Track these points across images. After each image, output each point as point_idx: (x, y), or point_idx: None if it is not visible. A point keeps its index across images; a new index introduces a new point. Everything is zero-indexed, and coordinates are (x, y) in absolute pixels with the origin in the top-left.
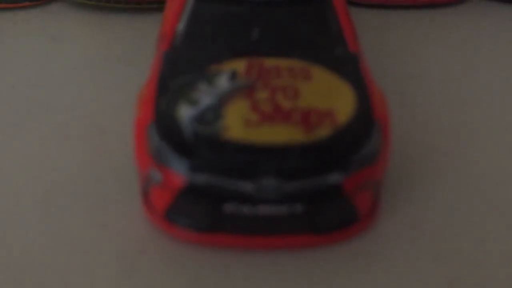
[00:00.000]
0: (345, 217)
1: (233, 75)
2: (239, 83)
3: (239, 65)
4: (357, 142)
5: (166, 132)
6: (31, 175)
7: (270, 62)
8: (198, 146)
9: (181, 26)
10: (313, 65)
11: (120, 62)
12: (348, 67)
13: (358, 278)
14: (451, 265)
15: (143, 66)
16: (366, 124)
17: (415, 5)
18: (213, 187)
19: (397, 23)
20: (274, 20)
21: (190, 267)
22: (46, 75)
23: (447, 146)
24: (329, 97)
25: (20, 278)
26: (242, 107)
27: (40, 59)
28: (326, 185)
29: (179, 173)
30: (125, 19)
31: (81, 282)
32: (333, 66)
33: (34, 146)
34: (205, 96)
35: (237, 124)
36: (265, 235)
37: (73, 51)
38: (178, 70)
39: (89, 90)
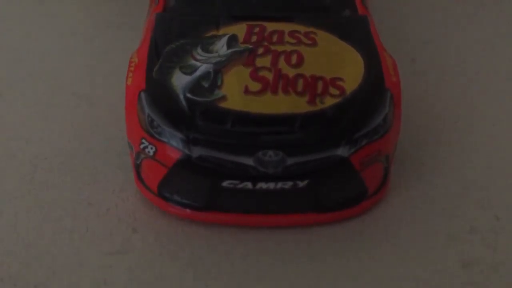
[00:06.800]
0: (352, 193)
1: (232, 40)
2: (238, 49)
3: (238, 29)
4: (365, 112)
5: (158, 102)
6: (15, 148)
7: (272, 26)
8: (193, 117)
9: None
10: (319, 29)
11: (111, 27)
12: (357, 32)
13: (365, 258)
14: (465, 244)
15: (136, 32)
16: (375, 93)
17: None
18: (209, 162)
19: None
20: None
21: (185, 246)
22: (32, 40)
23: (460, 115)
24: (336, 64)
25: (5, 258)
26: (241, 75)
27: (26, 24)
28: (332, 159)
29: (173, 146)
30: None
31: (69, 262)
32: (340, 31)
33: (17, 117)
34: (201, 63)
35: (235, 94)
36: (266, 213)
37: (61, 15)
38: (171, 34)
39: (77, 56)
